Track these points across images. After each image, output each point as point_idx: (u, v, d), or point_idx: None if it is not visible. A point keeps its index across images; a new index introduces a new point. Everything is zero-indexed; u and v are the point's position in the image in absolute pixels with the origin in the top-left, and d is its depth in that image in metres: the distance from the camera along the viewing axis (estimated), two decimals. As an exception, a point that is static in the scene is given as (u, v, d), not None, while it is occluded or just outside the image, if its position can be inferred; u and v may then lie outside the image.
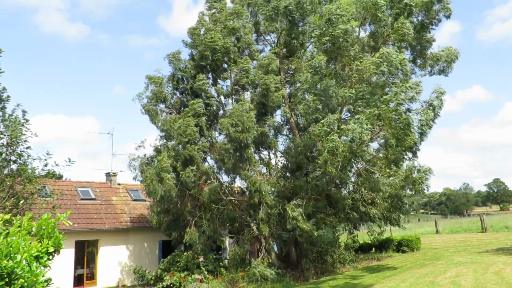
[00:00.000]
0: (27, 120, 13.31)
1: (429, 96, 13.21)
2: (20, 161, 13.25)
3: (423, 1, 15.72)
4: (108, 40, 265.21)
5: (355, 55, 13.85)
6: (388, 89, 14.00)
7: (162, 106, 18.29)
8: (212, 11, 19.12)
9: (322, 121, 13.24)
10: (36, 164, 13.88)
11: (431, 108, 12.86)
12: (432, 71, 19.13)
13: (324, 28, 13.23)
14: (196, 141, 16.11)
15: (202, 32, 18.23)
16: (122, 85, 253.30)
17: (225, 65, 18.23)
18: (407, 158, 15.84)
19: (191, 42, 18.48)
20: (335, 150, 12.48)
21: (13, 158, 13.12)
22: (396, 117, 12.21)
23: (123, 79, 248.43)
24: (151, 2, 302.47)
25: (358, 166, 16.18)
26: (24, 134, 13.17)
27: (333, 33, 12.92)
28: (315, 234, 14.00)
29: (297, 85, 19.37)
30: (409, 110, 12.91)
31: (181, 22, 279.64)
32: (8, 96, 13.26)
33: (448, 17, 17.50)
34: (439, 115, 13.29)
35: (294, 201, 14.64)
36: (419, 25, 16.90)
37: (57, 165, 13.82)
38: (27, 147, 13.38)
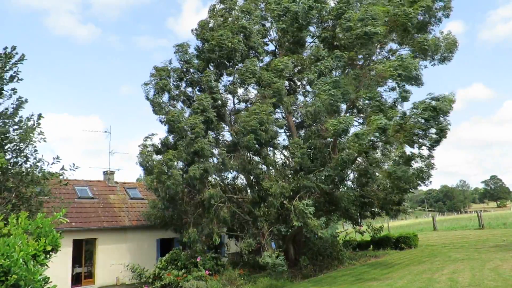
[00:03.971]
0: (39, 124, 13.25)
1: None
2: (29, 163, 13.18)
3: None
4: (118, 41, 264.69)
5: (372, 54, 14.83)
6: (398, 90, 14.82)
7: (166, 97, 18.32)
8: (223, 6, 19.17)
9: (338, 118, 13.64)
10: (44, 167, 13.77)
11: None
12: (433, 61, 19.30)
13: (358, 24, 13.92)
14: (204, 137, 16.08)
15: (211, 25, 18.32)
16: (129, 85, 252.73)
17: (232, 62, 18.24)
18: (423, 156, 16.19)
19: (200, 34, 18.47)
20: (359, 137, 12.95)
21: (19, 159, 13.04)
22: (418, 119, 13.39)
23: (131, 79, 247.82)
24: (161, 4, 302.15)
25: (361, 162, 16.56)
26: (35, 138, 13.10)
27: (363, 30, 13.61)
28: (324, 233, 14.12)
29: (309, 78, 19.78)
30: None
31: (190, 24, 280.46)
32: (24, 101, 13.20)
33: (447, 16, 17.81)
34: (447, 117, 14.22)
35: (304, 200, 14.77)
36: (420, 24, 17.14)
37: (64, 170, 13.73)
38: (35, 150, 13.31)
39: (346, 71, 16.48)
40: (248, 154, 16.66)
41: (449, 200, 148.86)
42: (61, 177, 13.83)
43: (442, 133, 13.67)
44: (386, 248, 22.20)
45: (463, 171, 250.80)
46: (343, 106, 15.82)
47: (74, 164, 13.87)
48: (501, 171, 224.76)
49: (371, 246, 23.27)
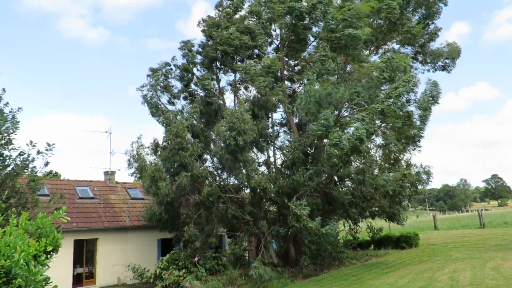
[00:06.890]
0: (16, 122, 13.02)
1: (424, 88, 13.99)
2: (19, 160, 13.09)
3: None
4: (128, 44, 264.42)
5: (360, 53, 14.64)
6: (386, 85, 14.47)
7: (164, 99, 18.26)
8: (230, 2, 19.27)
9: (318, 119, 13.48)
10: (37, 164, 13.62)
11: (430, 97, 13.49)
12: (435, 67, 19.33)
13: (340, 26, 13.79)
14: (188, 146, 15.84)
15: (217, 22, 18.30)
16: (137, 86, 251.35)
17: (237, 59, 18.26)
18: (409, 151, 16.07)
19: (207, 31, 18.40)
20: (339, 143, 12.74)
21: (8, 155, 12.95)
22: (398, 109, 12.89)
23: (138, 81, 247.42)
24: (170, 6, 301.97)
25: (357, 163, 16.37)
26: (15, 134, 12.91)
27: (345, 33, 13.53)
28: (323, 232, 13.86)
29: (303, 81, 19.67)
30: (408, 101, 13.35)
31: (199, 26, 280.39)
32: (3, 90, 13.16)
33: (445, 4, 17.87)
34: (438, 102, 14.17)
35: (298, 200, 14.64)
36: (421, 17, 17.20)
37: (41, 153, 13.31)
38: (19, 147, 13.16)
39: (335, 71, 16.35)
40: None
41: (450, 199, 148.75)
42: (39, 159, 13.40)
43: (425, 112, 13.50)
44: (387, 247, 22.17)
45: (464, 170, 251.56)
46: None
47: (49, 144, 13.20)
48: (503, 170, 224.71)
49: (372, 245, 23.25)
